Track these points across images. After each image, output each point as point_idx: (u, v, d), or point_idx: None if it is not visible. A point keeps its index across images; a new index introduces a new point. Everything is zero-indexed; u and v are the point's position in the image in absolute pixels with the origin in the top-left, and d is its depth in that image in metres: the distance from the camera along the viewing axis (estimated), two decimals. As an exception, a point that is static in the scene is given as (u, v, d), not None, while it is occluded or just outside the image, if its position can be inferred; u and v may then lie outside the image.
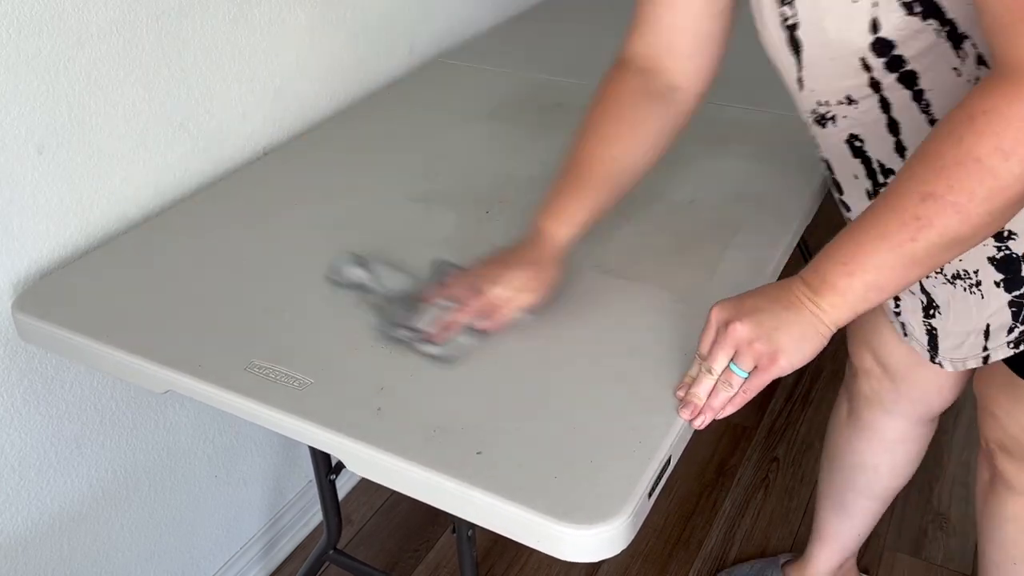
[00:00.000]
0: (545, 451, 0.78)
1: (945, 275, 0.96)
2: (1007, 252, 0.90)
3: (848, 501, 1.38)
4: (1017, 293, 0.92)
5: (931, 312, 1.01)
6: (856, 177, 0.95)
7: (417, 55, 1.67)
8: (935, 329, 1.02)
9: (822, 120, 0.92)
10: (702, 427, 0.82)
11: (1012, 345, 0.96)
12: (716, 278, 1.01)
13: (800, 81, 0.90)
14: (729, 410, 0.81)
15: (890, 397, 1.23)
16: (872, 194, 0.95)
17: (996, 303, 0.94)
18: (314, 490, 1.70)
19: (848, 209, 1.02)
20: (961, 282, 0.95)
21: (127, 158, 1.17)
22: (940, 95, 0.82)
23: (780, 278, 0.92)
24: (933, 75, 0.82)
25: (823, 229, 2.91)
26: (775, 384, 2.05)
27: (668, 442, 0.79)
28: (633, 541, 0.74)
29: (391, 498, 1.77)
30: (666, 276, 1.01)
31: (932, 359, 1.06)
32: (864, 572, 1.60)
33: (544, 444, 0.79)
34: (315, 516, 1.71)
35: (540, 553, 1.67)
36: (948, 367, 1.05)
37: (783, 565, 1.57)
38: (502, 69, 1.61)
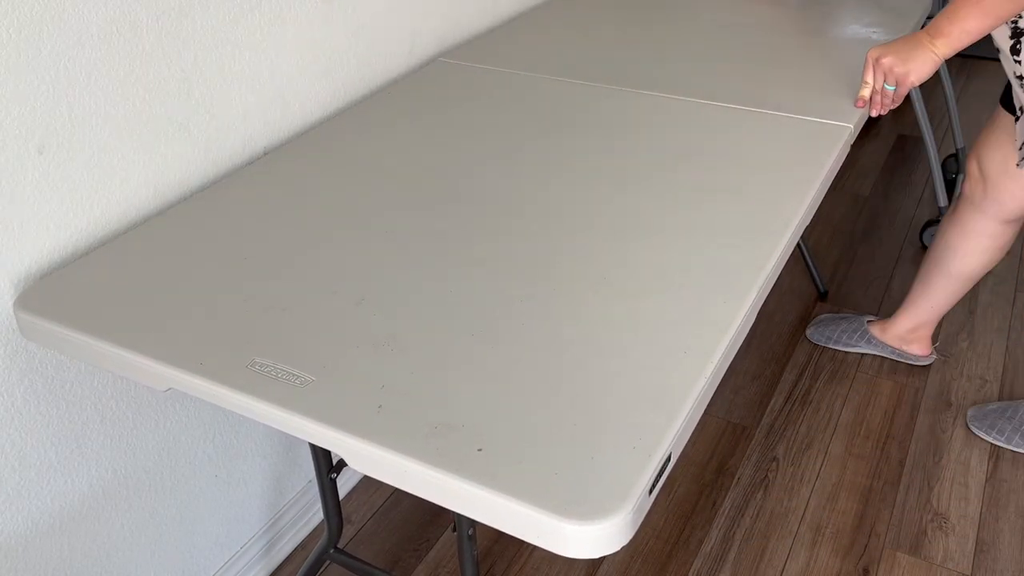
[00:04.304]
0: (546, 448, 0.79)
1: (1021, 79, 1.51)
2: None
3: (931, 275, 1.90)
4: None
5: None
6: None
7: (417, 55, 1.68)
8: None
9: None
10: (876, 115, 1.41)
11: None
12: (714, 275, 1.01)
13: None
14: (889, 108, 1.40)
15: (980, 195, 1.77)
16: None
17: None
18: (314, 490, 1.70)
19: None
20: None
21: (127, 158, 1.17)
22: None
23: (785, 282, 0.92)
24: None
25: (823, 229, 2.91)
26: (775, 383, 2.06)
27: (668, 439, 0.79)
28: (633, 540, 0.75)
29: (392, 497, 1.77)
30: (673, 288, 1.02)
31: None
32: (864, 572, 1.60)
33: (545, 441, 0.79)
34: (315, 516, 1.71)
35: (540, 552, 1.68)
36: None
37: (868, 322, 2.07)
38: (502, 69, 1.61)
